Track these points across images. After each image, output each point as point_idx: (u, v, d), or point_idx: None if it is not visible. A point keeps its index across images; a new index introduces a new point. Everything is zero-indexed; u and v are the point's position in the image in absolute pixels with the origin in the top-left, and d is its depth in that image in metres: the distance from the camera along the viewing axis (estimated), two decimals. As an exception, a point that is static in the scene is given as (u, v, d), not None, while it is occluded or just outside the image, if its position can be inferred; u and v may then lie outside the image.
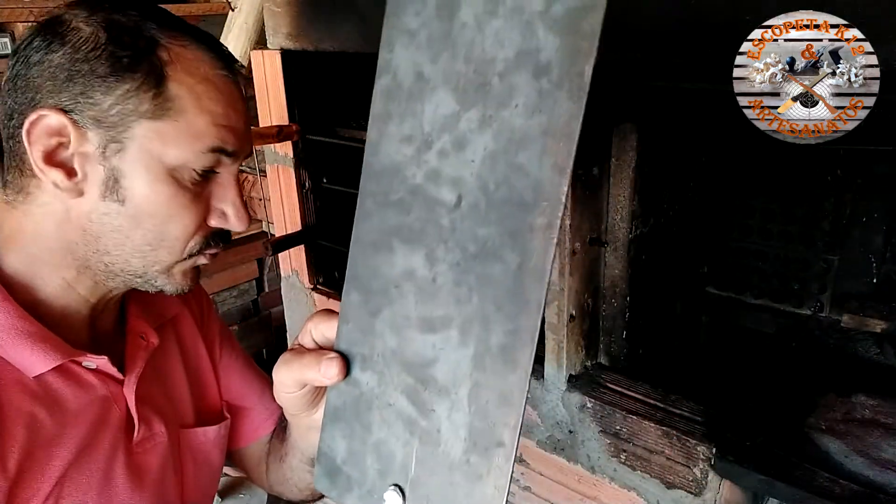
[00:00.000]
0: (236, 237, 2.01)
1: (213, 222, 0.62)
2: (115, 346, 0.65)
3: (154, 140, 0.56)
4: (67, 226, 0.58)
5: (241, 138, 0.61)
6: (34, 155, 0.55)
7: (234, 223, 0.62)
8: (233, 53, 0.64)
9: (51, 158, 0.55)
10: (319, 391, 0.54)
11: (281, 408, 0.80)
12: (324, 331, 0.51)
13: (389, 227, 0.44)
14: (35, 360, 0.57)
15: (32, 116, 0.54)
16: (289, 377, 0.51)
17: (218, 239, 0.64)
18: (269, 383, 0.83)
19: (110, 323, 0.67)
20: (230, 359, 0.81)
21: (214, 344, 0.79)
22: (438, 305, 0.42)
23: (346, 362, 0.47)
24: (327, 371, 0.47)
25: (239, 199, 0.62)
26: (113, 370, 0.62)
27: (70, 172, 0.56)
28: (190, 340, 0.76)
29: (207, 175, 0.60)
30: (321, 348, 0.51)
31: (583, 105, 0.37)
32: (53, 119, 0.54)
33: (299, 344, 0.53)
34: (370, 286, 0.45)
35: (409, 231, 0.43)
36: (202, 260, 0.64)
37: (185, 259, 0.62)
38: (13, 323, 0.57)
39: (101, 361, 0.61)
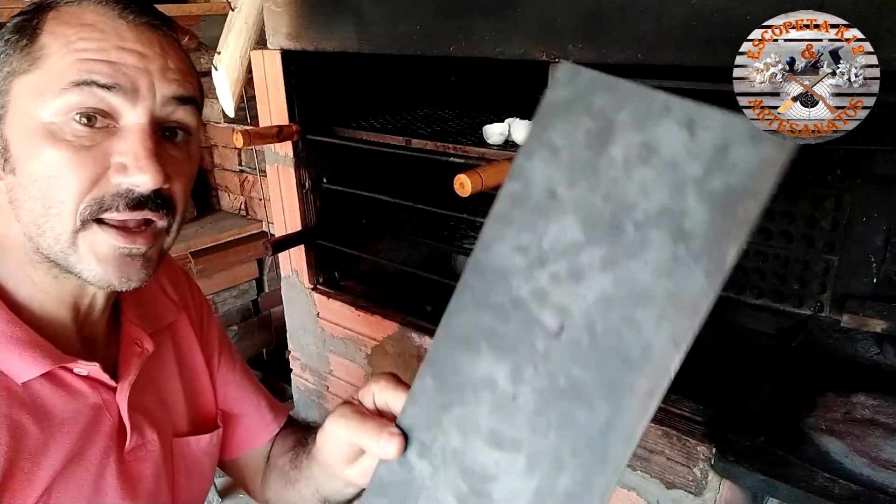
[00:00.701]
0: (236, 237, 2.01)
1: (114, 178, 0.53)
2: (109, 352, 0.64)
3: (27, 96, 0.52)
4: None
5: (130, 73, 0.53)
6: None
7: (135, 174, 0.53)
8: (154, 7, 0.59)
9: None
10: (364, 452, 0.52)
11: (278, 420, 0.79)
12: (388, 399, 0.49)
13: (482, 328, 0.42)
14: (23, 367, 0.54)
15: None
16: (344, 434, 0.50)
17: (123, 200, 0.53)
18: (266, 394, 0.83)
19: (102, 328, 0.65)
20: (228, 367, 0.79)
21: (213, 352, 0.78)
22: (512, 426, 0.40)
23: (405, 440, 0.45)
24: (387, 447, 0.45)
25: (142, 148, 0.53)
26: (105, 377, 0.60)
27: None
28: (187, 347, 0.74)
29: (93, 122, 0.52)
30: (380, 413, 0.50)
31: (718, 286, 0.35)
32: None
33: (358, 401, 0.52)
34: (448, 379, 0.43)
35: (500, 340, 0.41)
36: (114, 238, 0.54)
37: (82, 228, 0.53)
38: (2, 328, 0.54)
39: (93, 368, 0.58)
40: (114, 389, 0.61)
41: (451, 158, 1.08)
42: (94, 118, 0.52)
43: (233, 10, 1.44)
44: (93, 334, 0.63)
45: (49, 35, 0.53)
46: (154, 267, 0.58)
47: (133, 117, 0.53)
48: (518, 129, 1.09)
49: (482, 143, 1.11)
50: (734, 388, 1.23)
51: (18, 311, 0.57)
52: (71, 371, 0.58)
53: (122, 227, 0.54)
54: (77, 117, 0.52)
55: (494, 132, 1.10)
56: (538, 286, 0.40)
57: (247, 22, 1.43)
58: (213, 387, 0.77)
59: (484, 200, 1.56)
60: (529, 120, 1.13)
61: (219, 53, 1.49)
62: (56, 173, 0.52)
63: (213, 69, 1.54)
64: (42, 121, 0.52)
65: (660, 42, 0.73)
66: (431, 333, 1.11)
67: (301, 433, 0.80)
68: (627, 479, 0.92)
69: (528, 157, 0.41)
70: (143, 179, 0.53)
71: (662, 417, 0.87)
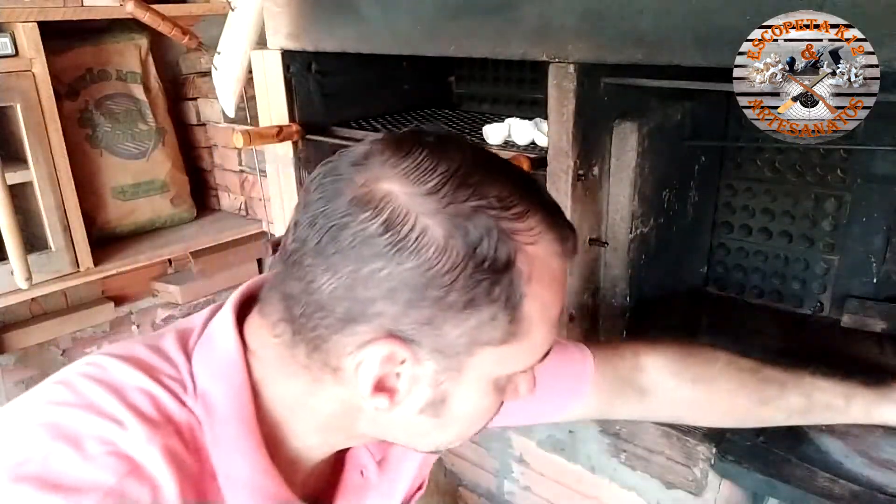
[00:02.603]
0: (236, 237, 2.01)
1: (505, 398, 0.56)
2: (327, 476, 0.61)
3: (495, 363, 0.50)
4: (357, 416, 0.52)
5: None
6: (361, 385, 0.48)
7: (525, 397, 0.57)
8: (566, 221, 0.53)
9: (378, 386, 0.49)
10: None
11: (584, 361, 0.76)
12: None
13: None
14: None
15: (368, 350, 0.47)
16: None
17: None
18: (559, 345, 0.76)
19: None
20: None
21: None
22: None
23: None
24: None
25: (533, 375, 0.56)
26: None
27: (393, 393, 0.49)
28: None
29: None
30: None
31: None
32: (390, 349, 0.47)
33: None
34: None
35: None
36: None
37: None
38: (254, 479, 0.51)
39: None
40: None
41: (451, 158, 1.08)
42: None
43: (233, 10, 1.44)
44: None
45: (531, 302, 0.48)
46: None
47: None
48: (518, 129, 1.09)
49: (482, 143, 1.11)
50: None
51: (282, 458, 0.54)
52: None
53: None
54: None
55: (494, 132, 1.10)
56: None
57: (247, 22, 1.43)
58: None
59: (484, 200, 1.56)
60: (529, 120, 1.13)
61: (219, 53, 1.49)
62: (484, 418, 0.55)
63: (212, 69, 1.54)
64: (495, 378, 0.52)
65: (660, 42, 0.72)
66: (431, 333, 1.11)
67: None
68: (627, 479, 0.92)
69: None
70: (529, 396, 0.57)
71: (662, 417, 0.88)
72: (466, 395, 0.51)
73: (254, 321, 0.54)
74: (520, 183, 0.50)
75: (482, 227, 0.45)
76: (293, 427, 0.53)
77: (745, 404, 0.74)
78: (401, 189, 0.46)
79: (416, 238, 0.44)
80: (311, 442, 0.55)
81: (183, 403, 0.49)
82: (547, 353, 0.53)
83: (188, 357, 0.52)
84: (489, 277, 0.46)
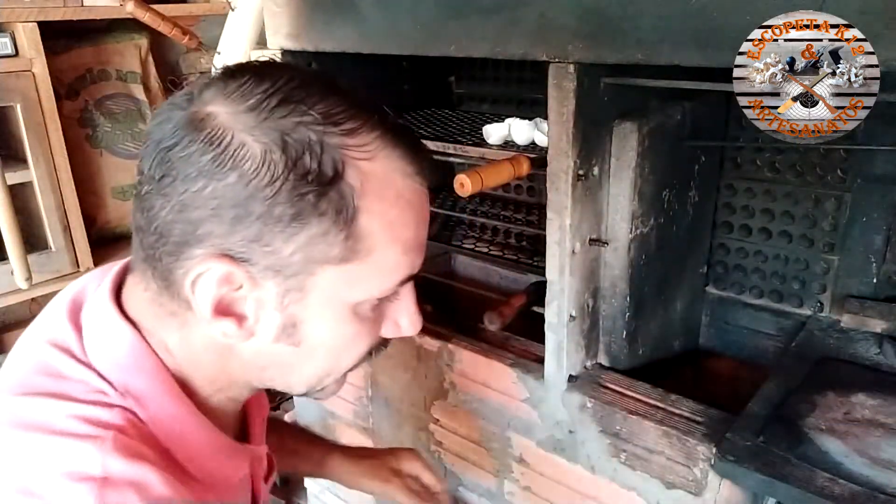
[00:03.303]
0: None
1: (386, 333, 0.58)
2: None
3: (340, 283, 0.50)
4: (229, 356, 0.54)
5: (424, 251, 0.55)
6: (200, 307, 0.49)
7: (409, 332, 0.59)
8: (420, 144, 0.54)
9: (220, 309, 0.49)
10: None
11: None
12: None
13: None
14: (234, 470, 0.59)
15: (199, 268, 0.47)
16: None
17: (382, 346, 0.60)
18: None
19: None
20: None
21: None
22: None
23: None
24: None
25: (414, 308, 0.58)
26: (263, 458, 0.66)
27: (240, 318, 0.50)
28: None
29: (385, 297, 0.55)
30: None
31: None
32: (222, 269, 0.47)
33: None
34: None
35: None
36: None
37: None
38: (213, 439, 0.56)
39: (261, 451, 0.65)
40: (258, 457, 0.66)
41: (451, 158, 1.08)
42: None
43: (233, 10, 1.44)
44: None
45: (368, 218, 0.48)
46: None
47: (409, 282, 0.56)
48: (518, 129, 1.09)
49: (482, 143, 1.11)
50: (734, 388, 1.23)
51: (198, 407, 0.57)
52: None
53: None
54: (377, 301, 0.54)
55: (494, 132, 1.10)
56: None
57: (247, 22, 1.43)
58: None
59: (484, 200, 1.57)
60: (529, 120, 1.13)
61: (219, 53, 1.49)
62: (350, 347, 0.55)
63: (212, 69, 1.54)
64: (350, 303, 0.52)
65: (660, 42, 0.72)
66: (431, 333, 1.11)
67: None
68: (627, 478, 0.92)
69: None
70: (415, 332, 0.59)
71: (662, 417, 0.87)
72: (320, 319, 0.51)
73: (128, 285, 0.56)
74: (357, 103, 0.50)
75: (303, 141, 0.46)
76: (197, 382, 0.55)
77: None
78: (223, 109, 0.47)
79: (234, 152, 0.45)
80: (210, 393, 0.57)
81: (111, 406, 0.50)
82: (409, 280, 0.54)
83: (88, 365, 0.52)
84: (315, 190, 0.46)
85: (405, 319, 0.58)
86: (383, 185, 0.49)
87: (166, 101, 0.51)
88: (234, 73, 0.49)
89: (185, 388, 0.55)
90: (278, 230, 0.47)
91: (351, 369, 0.59)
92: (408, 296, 0.57)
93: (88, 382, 0.51)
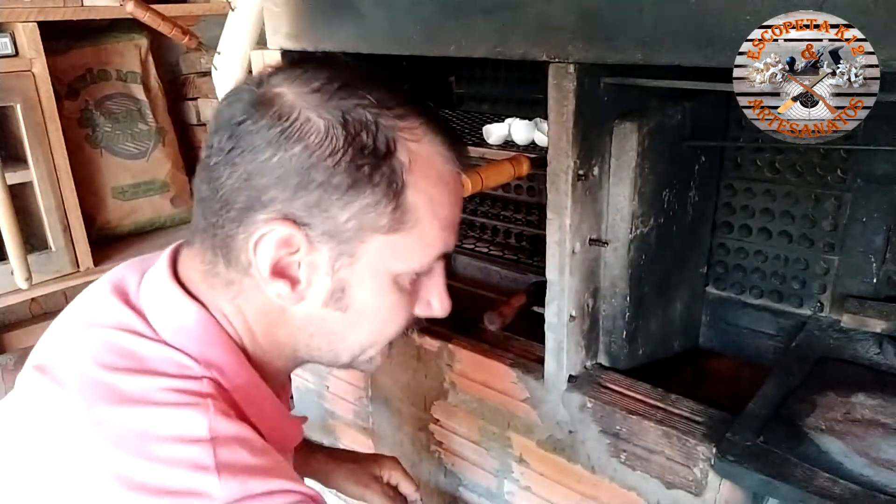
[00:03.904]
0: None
1: (419, 311, 0.63)
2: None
3: (386, 252, 0.55)
4: (280, 323, 0.58)
5: (457, 232, 0.61)
6: (260, 266, 0.53)
7: (438, 313, 0.63)
8: (457, 133, 0.62)
9: (277, 270, 0.54)
10: None
11: None
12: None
13: None
14: (291, 443, 0.67)
15: (262, 229, 0.52)
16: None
17: (415, 324, 0.64)
18: None
19: None
20: None
21: None
22: None
23: None
24: None
25: (444, 289, 0.63)
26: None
27: (294, 281, 0.55)
28: None
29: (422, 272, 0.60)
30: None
31: None
32: (284, 231, 0.52)
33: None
34: None
35: None
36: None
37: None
38: (276, 406, 0.61)
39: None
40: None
41: (451, 158, 1.07)
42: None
43: (233, 10, 1.44)
44: None
45: (415, 193, 0.54)
46: None
47: (441, 260, 0.61)
48: (518, 129, 1.09)
49: (482, 143, 1.11)
50: (735, 388, 1.23)
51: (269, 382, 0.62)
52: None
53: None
54: (416, 275, 0.59)
55: (494, 132, 1.10)
56: None
57: (247, 22, 1.43)
58: None
59: (484, 200, 1.57)
60: (529, 120, 1.13)
61: (219, 53, 1.49)
62: (393, 317, 0.60)
63: (212, 69, 1.54)
64: (393, 273, 0.57)
65: (660, 42, 0.72)
66: (431, 333, 1.11)
67: None
68: (627, 478, 0.92)
69: None
70: (444, 314, 0.63)
71: (662, 417, 0.87)
72: (366, 286, 0.56)
73: (182, 262, 0.60)
74: (406, 96, 0.56)
75: (361, 120, 0.52)
76: (250, 351, 0.60)
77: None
78: (290, 90, 0.52)
79: (300, 126, 0.51)
80: (264, 363, 0.61)
81: (199, 378, 0.54)
82: (443, 258, 0.59)
83: (165, 342, 0.56)
84: (369, 162, 0.51)
85: (436, 300, 0.62)
86: (427, 165, 0.55)
87: (233, 87, 0.57)
88: (296, 64, 0.55)
89: (256, 362, 0.60)
90: (336, 197, 0.51)
91: (391, 341, 0.63)
92: (439, 276, 0.62)
93: (171, 358, 0.55)
